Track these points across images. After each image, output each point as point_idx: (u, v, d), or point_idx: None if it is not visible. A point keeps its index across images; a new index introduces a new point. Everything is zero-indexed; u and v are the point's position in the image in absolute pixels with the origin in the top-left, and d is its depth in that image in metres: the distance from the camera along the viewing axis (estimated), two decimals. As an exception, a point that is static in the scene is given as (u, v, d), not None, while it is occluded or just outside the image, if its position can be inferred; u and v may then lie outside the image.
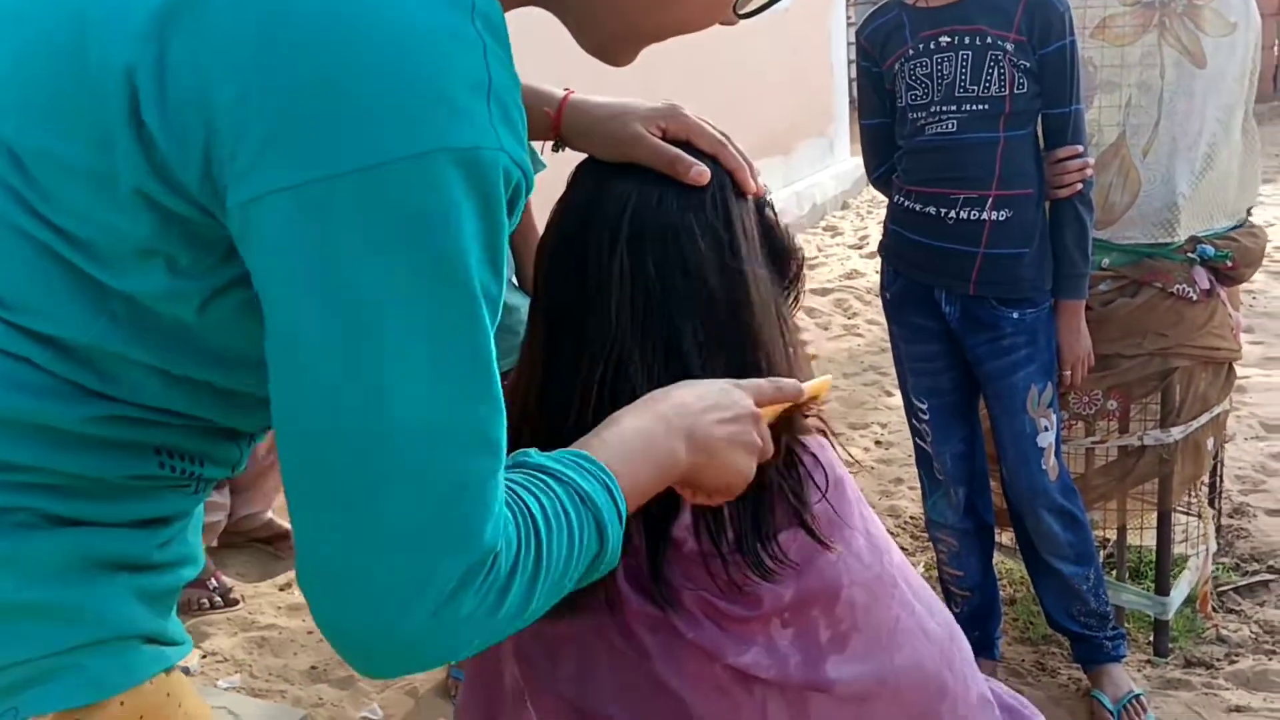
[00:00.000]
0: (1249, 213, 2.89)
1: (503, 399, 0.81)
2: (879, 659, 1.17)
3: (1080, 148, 2.49)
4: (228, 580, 3.27)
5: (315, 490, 0.77)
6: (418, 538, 0.76)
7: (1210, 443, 2.91)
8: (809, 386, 1.14)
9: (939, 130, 2.48)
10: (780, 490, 1.13)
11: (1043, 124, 2.50)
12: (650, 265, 1.10)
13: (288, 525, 3.46)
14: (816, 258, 7.48)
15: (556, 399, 1.12)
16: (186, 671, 2.91)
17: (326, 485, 0.76)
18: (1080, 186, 2.48)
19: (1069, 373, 2.59)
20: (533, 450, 0.93)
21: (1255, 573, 3.33)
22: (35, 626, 0.82)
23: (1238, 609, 3.17)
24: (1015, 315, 2.52)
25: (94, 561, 0.85)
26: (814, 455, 1.18)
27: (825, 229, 8.58)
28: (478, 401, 0.78)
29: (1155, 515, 2.90)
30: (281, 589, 3.32)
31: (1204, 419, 2.82)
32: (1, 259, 0.81)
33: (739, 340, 1.13)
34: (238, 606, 3.20)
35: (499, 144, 0.77)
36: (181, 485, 0.92)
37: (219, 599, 3.17)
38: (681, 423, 0.99)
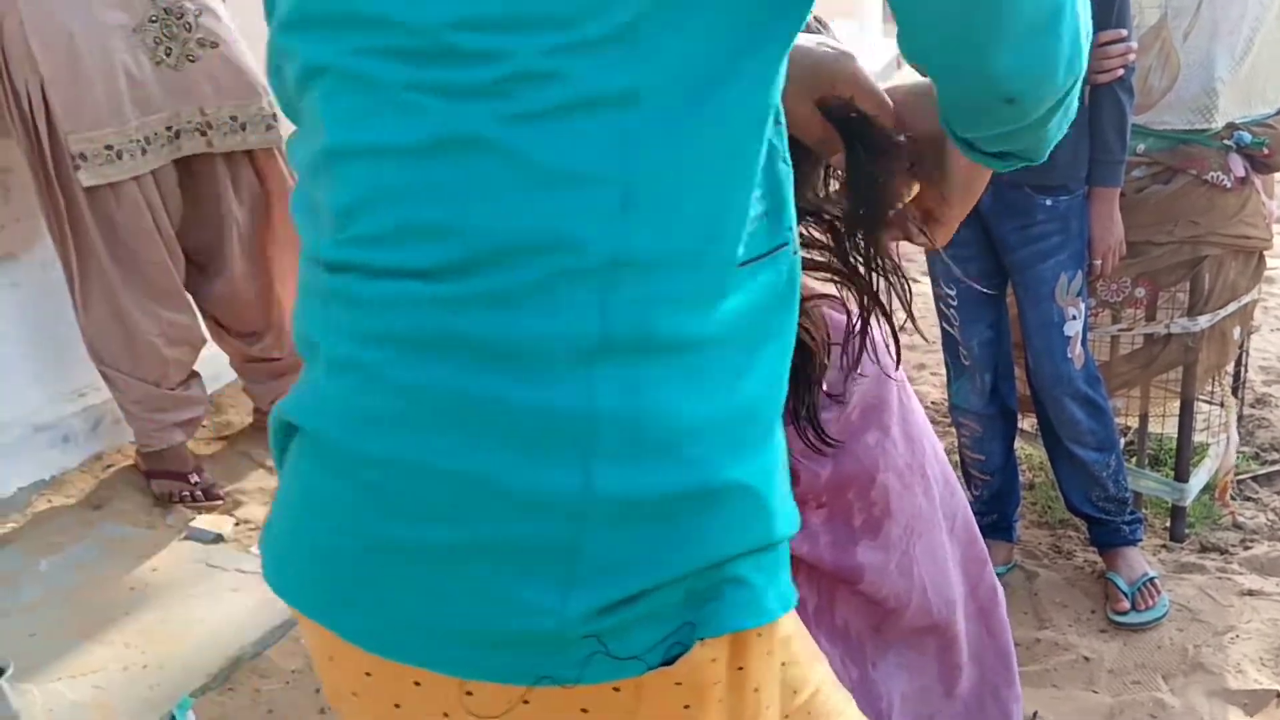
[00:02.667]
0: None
1: None
2: (901, 546, 1.20)
3: (1124, 31, 2.43)
4: (209, 476, 3.19)
5: None
6: None
7: (1236, 332, 2.91)
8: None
9: (979, 11, 2.42)
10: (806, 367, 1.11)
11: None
12: None
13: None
14: (842, 139, 7.35)
15: None
16: (220, 539, 2.99)
17: None
18: (1121, 72, 2.44)
19: (1100, 261, 2.58)
20: None
21: (1275, 462, 3.36)
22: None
23: (1255, 497, 3.20)
24: (1049, 202, 2.50)
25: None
26: (847, 321, 1.15)
27: (851, 110, 8.40)
28: None
29: (1178, 403, 2.91)
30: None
31: (1232, 308, 2.81)
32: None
33: None
34: (221, 499, 3.14)
35: None
36: None
37: (200, 494, 3.11)
38: None
